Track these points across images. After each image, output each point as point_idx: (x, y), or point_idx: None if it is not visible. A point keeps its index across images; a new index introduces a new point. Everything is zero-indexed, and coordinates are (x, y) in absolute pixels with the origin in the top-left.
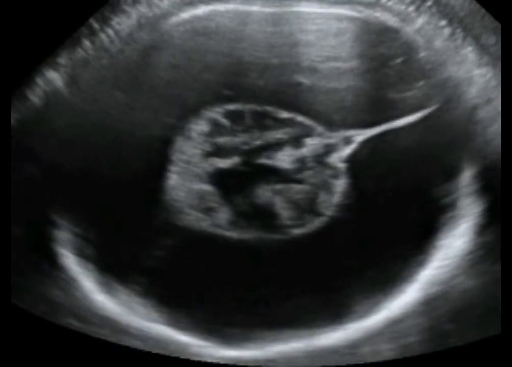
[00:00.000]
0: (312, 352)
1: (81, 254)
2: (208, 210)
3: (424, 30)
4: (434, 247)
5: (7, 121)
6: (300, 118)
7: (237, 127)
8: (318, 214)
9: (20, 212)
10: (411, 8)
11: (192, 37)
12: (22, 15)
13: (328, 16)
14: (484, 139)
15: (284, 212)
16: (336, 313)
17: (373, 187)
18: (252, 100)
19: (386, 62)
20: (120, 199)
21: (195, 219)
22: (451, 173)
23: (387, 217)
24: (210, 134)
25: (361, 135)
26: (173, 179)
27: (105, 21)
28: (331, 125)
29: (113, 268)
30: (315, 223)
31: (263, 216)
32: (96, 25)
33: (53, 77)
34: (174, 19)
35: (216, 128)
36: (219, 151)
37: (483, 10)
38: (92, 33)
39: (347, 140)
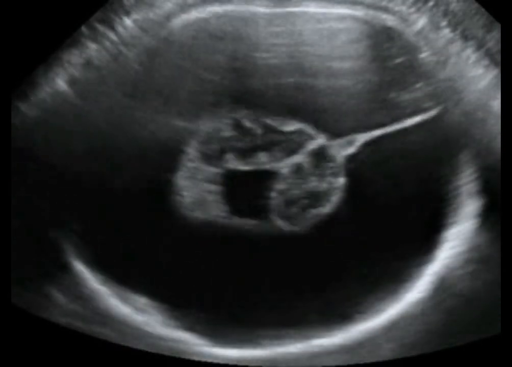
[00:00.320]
0: (313, 352)
1: (82, 253)
2: (210, 211)
3: (425, 31)
4: (434, 247)
5: (7, 121)
6: (301, 118)
7: (239, 127)
8: (319, 214)
9: (20, 212)
10: (413, 9)
11: (195, 38)
12: (22, 14)
13: (329, 16)
14: (484, 140)
15: (284, 212)
16: (336, 313)
17: (374, 187)
18: (254, 101)
19: (387, 63)
20: (121, 199)
21: (195, 220)
22: (452, 173)
23: (388, 217)
24: (214, 137)
25: (362, 136)
26: (176, 181)
27: (108, 23)
28: (332, 125)
29: (114, 268)
30: (316, 224)
31: (264, 217)
32: (98, 27)
33: (56, 79)
34: (176, 21)
35: (220, 130)
36: (220, 153)
37: (484, 11)
38: (95, 35)
39: (348, 141)
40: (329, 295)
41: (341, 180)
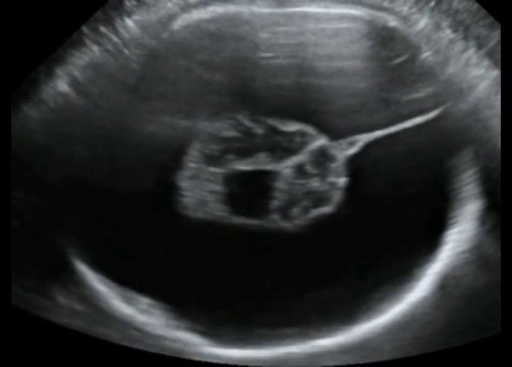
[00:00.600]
0: (313, 352)
1: (83, 253)
2: (211, 212)
3: (427, 31)
4: (435, 248)
5: (7, 122)
6: (303, 118)
7: (240, 128)
8: (320, 214)
9: (20, 212)
10: (414, 9)
11: (196, 39)
12: (22, 14)
13: (331, 16)
14: (485, 140)
15: (286, 212)
16: (337, 313)
17: (375, 188)
18: (256, 101)
19: (388, 64)
20: (122, 199)
21: (195, 220)
22: (453, 174)
23: (389, 217)
24: (214, 136)
25: (364, 136)
26: (177, 181)
27: (109, 24)
28: (334, 126)
29: (114, 268)
30: (317, 223)
31: (265, 217)
32: (100, 28)
33: (57, 79)
34: (178, 21)
35: (223, 131)
36: (222, 153)
37: (484, 11)
38: (96, 36)
39: (350, 141)
40: (330, 295)
41: (342, 180)
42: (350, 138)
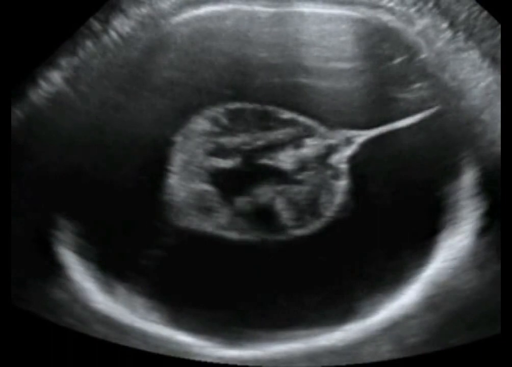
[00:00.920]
0: (312, 352)
1: (81, 254)
2: (208, 211)
3: (425, 31)
4: (435, 248)
5: (7, 120)
6: (301, 119)
7: (238, 127)
8: (319, 215)
9: (20, 213)
10: (413, 9)
11: (194, 37)
12: (21, 14)
13: (329, 16)
14: (485, 141)
15: (285, 213)
16: (336, 314)
17: (373, 188)
18: (253, 100)
19: (387, 63)
20: (120, 198)
21: (195, 220)
22: (453, 174)
23: (388, 217)
24: (212, 134)
25: (362, 136)
26: (174, 179)
27: (107, 22)
28: (332, 125)
29: (114, 268)
30: (316, 224)
31: (264, 217)
32: (97, 26)
33: (54, 77)
34: (175, 19)
35: (218, 128)
36: (220, 151)
37: (484, 12)
38: (94, 34)
39: (348, 141)
40: (329, 295)
41: (341, 181)
42: (348, 138)
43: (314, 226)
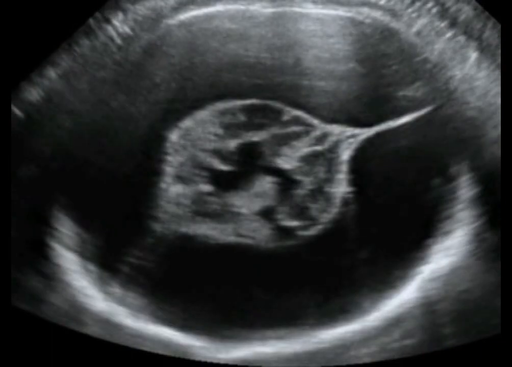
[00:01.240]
0: (312, 352)
1: (80, 254)
2: (207, 211)
3: (424, 31)
4: (434, 248)
5: (7, 119)
6: (300, 119)
7: (237, 126)
8: (318, 214)
9: (19, 212)
10: (411, 9)
11: (192, 37)
12: (21, 14)
13: (327, 16)
14: (484, 141)
15: (284, 212)
16: (336, 314)
17: (372, 187)
18: (252, 100)
19: (385, 63)
20: (118, 198)
21: (193, 220)
22: (451, 174)
23: (387, 217)
24: (211, 133)
25: (361, 135)
26: (173, 178)
27: (105, 21)
28: (331, 124)
29: (113, 268)
30: (315, 224)
31: (263, 217)
32: (96, 25)
33: (53, 77)
34: (175, 19)
35: (217, 128)
36: (218, 151)
37: (484, 12)
38: (92, 33)
39: (347, 141)
40: (329, 295)
41: (340, 179)
42: (347, 138)
43: (313, 225)
